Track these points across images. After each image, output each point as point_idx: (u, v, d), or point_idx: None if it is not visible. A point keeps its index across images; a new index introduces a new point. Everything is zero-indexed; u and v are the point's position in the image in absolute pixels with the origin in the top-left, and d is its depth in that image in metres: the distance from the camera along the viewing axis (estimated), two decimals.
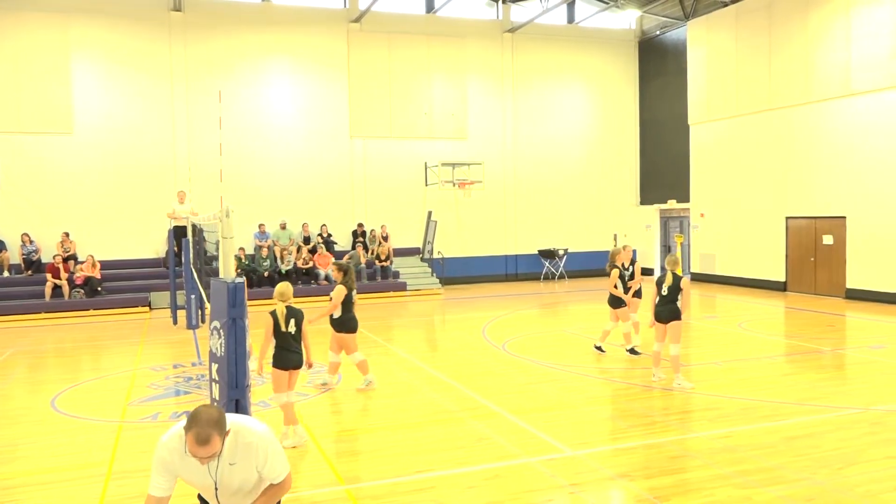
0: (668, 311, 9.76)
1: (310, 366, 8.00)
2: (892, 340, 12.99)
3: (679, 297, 9.75)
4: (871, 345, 12.61)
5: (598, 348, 12.16)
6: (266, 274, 20.66)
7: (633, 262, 12.34)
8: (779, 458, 6.87)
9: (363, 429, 8.27)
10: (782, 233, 20.57)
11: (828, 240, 19.26)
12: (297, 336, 7.74)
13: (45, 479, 6.86)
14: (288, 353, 7.66)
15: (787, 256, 20.47)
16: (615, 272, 11.81)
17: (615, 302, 11.92)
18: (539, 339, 13.99)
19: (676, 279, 9.77)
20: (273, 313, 7.63)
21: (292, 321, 7.67)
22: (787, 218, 20.43)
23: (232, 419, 3.63)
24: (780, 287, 20.44)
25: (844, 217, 18.72)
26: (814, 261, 19.73)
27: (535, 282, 25.03)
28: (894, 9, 17.27)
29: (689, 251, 24.57)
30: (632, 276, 12.22)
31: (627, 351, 11.94)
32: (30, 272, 19.58)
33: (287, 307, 7.68)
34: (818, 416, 8.35)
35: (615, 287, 11.80)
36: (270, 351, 7.77)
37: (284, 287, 7.83)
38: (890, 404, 8.74)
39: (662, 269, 9.87)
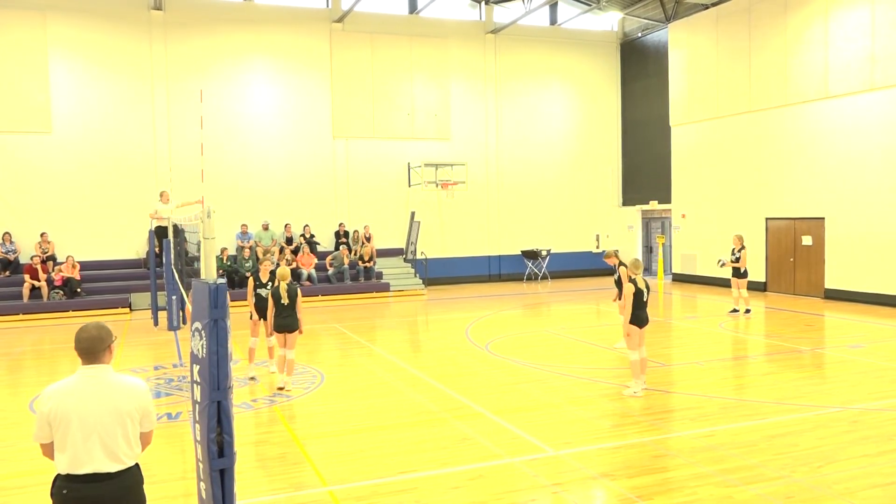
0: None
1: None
2: (870, 340, 13.16)
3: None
4: (850, 344, 12.77)
5: None
6: (248, 275, 20.50)
7: (620, 265, 12.37)
8: (759, 457, 6.94)
9: (346, 430, 8.25)
10: (762, 233, 20.77)
11: (807, 240, 19.48)
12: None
13: (24, 482, 6.78)
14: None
15: (766, 257, 20.67)
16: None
17: None
18: (522, 340, 14.02)
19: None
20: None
21: (287, 295, 9.93)
22: (767, 219, 20.64)
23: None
24: (760, 287, 20.63)
25: (823, 218, 18.94)
26: (793, 261, 19.94)
27: (518, 282, 25.09)
28: (870, 13, 17.51)
29: (671, 252, 24.75)
30: (619, 279, 12.27)
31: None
32: (7, 273, 19.33)
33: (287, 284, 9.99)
34: (797, 415, 8.45)
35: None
36: None
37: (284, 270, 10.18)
38: (868, 403, 8.85)
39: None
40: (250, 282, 11.02)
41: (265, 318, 10.78)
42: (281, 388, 9.98)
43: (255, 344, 11.01)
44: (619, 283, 12.31)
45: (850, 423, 8.03)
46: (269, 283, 10.82)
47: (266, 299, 10.61)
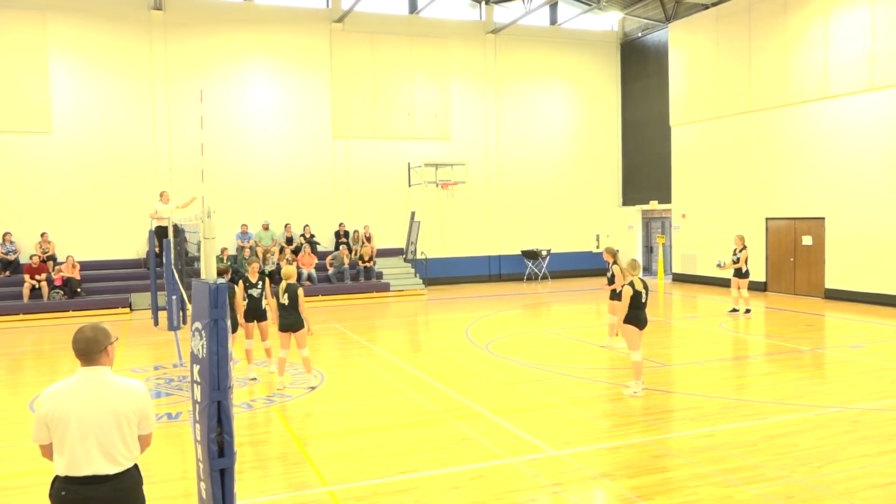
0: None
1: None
2: (870, 340, 13.16)
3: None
4: (850, 344, 12.77)
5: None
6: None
7: (614, 263, 12.36)
8: (759, 457, 6.94)
9: (346, 430, 8.25)
10: (762, 233, 20.76)
11: (807, 240, 19.48)
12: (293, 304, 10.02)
13: (24, 482, 6.78)
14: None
15: (766, 257, 20.66)
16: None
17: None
18: (522, 340, 14.02)
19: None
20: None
21: (286, 295, 9.92)
22: (767, 219, 20.64)
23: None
24: (760, 287, 20.62)
25: (823, 218, 18.94)
26: (793, 261, 19.94)
27: (519, 282, 25.08)
28: (870, 13, 17.51)
29: (671, 252, 24.75)
30: (611, 277, 12.28)
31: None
32: (7, 273, 19.33)
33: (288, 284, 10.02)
34: (798, 415, 8.44)
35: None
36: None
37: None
38: (868, 403, 8.85)
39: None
40: (240, 283, 11.00)
41: (258, 320, 10.95)
42: (313, 388, 10.11)
43: (251, 345, 11.02)
44: (611, 281, 12.35)
45: (850, 423, 8.03)
46: (260, 283, 11.01)
47: (258, 300, 10.91)
